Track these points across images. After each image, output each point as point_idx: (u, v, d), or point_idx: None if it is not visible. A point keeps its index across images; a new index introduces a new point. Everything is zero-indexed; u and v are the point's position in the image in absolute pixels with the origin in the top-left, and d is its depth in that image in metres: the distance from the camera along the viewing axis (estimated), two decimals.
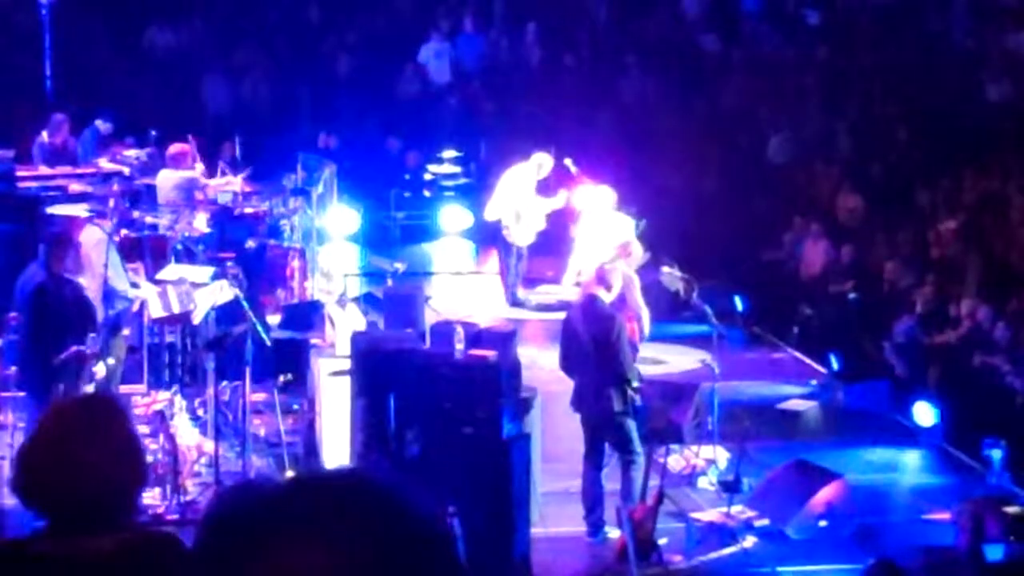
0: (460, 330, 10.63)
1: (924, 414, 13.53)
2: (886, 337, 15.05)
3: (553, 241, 17.47)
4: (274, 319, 14.51)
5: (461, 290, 18.07)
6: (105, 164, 17.41)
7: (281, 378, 12.81)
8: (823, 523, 11.17)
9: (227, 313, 12.41)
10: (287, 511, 2.03)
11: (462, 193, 21.09)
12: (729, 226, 18.38)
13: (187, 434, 11.32)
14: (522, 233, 17.09)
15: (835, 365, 15.11)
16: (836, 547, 10.93)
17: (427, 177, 21.47)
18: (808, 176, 19.45)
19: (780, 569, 10.71)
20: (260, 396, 12.44)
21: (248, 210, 16.08)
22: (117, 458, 3.48)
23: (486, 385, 10.12)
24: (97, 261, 12.07)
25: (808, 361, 15.83)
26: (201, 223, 15.23)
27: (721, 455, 12.33)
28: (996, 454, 12.47)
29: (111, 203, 13.91)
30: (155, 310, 12.52)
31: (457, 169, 21.55)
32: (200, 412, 12.09)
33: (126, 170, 17.11)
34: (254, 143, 18.46)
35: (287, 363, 12.97)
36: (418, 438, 10.16)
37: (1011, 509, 10.60)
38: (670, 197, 19.14)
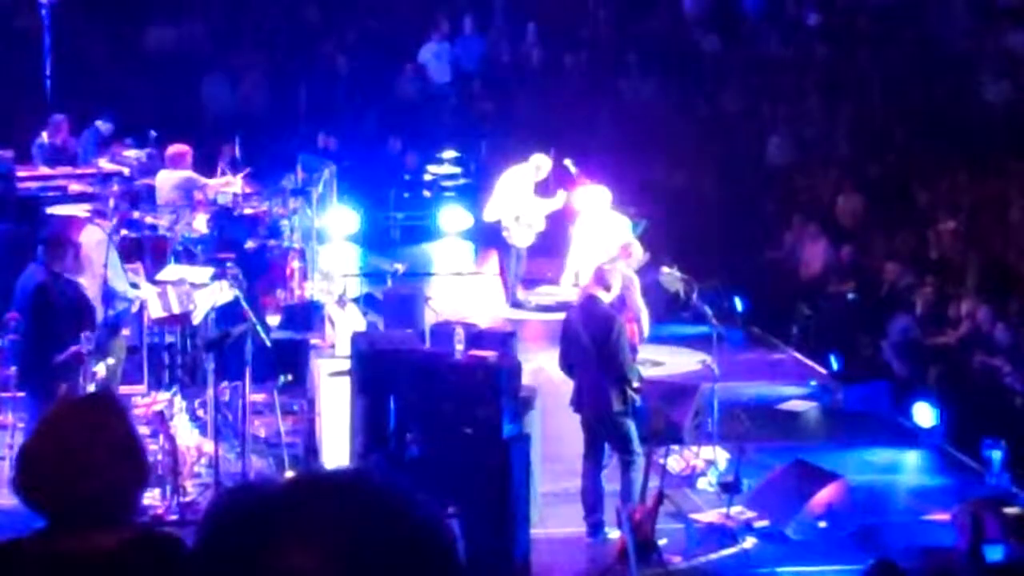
0: (460, 331, 10.63)
1: (924, 415, 13.53)
2: (884, 337, 15.05)
3: (553, 242, 17.47)
4: (274, 319, 14.52)
5: (461, 291, 18.07)
6: (105, 164, 17.43)
7: (281, 379, 12.80)
8: (823, 524, 11.16)
9: (227, 314, 12.41)
10: (287, 512, 2.03)
11: (462, 194, 21.10)
12: (729, 226, 18.39)
13: (187, 435, 11.31)
14: (521, 234, 17.09)
15: (835, 366, 15.12)
16: (836, 548, 10.93)
17: (427, 178, 21.47)
18: (807, 176, 19.46)
19: (780, 570, 10.70)
20: (260, 397, 12.43)
21: (248, 211, 16.09)
22: (118, 457, 3.48)
23: (486, 386, 10.12)
24: (97, 261, 12.08)
25: (808, 362, 15.83)
26: (201, 224, 15.24)
27: (721, 456, 12.33)
28: (996, 455, 12.47)
29: (111, 203, 13.91)
30: (155, 311, 12.52)
31: (457, 170, 21.55)
32: (200, 413, 12.09)
33: (126, 170, 17.13)
34: (254, 144, 18.47)
35: (287, 364, 12.97)
36: (418, 439, 10.16)
37: (1011, 510, 10.58)
38: (670, 197, 19.14)
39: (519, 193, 17.07)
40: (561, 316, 12.24)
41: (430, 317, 12.83)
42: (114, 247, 12.49)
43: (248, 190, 16.47)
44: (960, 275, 15.71)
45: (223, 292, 12.36)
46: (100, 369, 11.16)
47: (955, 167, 17.78)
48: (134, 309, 12.72)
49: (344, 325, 12.73)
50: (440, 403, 10.13)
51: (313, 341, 13.62)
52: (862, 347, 15.32)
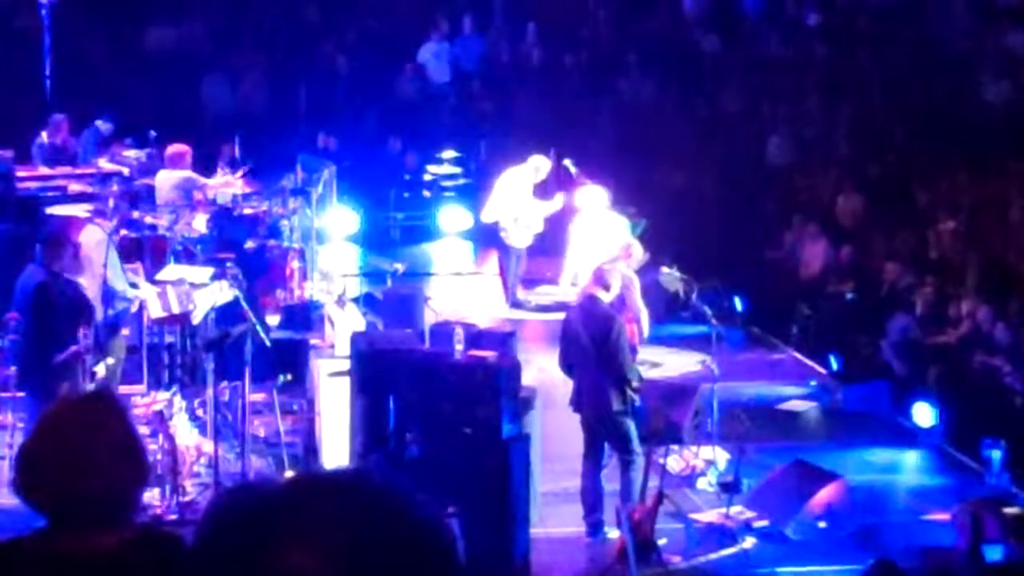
0: (460, 331, 10.63)
1: (923, 415, 13.53)
2: (884, 337, 15.06)
3: (552, 242, 17.47)
4: (274, 319, 14.52)
5: (461, 291, 18.07)
6: (104, 164, 17.42)
7: (280, 378, 12.80)
8: (822, 524, 11.16)
9: (226, 313, 12.41)
10: (286, 512, 2.03)
11: (461, 193, 21.09)
12: (728, 226, 18.39)
13: (186, 434, 11.31)
14: (519, 235, 17.07)
15: (834, 366, 15.12)
16: (835, 548, 10.93)
17: (426, 177, 21.46)
18: (807, 176, 19.46)
19: (779, 570, 10.70)
20: (259, 396, 12.43)
21: (247, 211, 16.08)
22: (118, 457, 3.48)
23: (485, 386, 10.12)
24: (97, 261, 12.08)
25: (807, 362, 15.83)
26: (200, 224, 15.23)
27: (720, 456, 12.33)
28: (995, 454, 12.47)
29: (111, 203, 13.92)
30: (154, 310, 12.52)
31: (457, 169, 21.55)
32: (199, 412, 12.09)
33: (125, 170, 17.12)
34: (254, 144, 18.47)
35: (287, 363, 12.97)
36: (417, 439, 10.16)
37: (1010, 510, 10.59)
38: (670, 197, 19.14)
39: (517, 194, 17.06)
40: (560, 316, 12.24)
41: (430, 317, 12.83)
42: (114, 247, 12.49)
43: (248, 190, 16.47)
44: (960, 275, 15.72)
45: (223, 292, 12.36)
46: (100, 369, 11.16)
47: (955, 167, 17.78)
48: (133, 309, 12.72)
49: (344, 325, 12.73)
50: (440, 403, 10.13)
51: (313, 341, 13.62)
52: (861, 347, 15.33)
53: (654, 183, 19.38)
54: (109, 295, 12.11)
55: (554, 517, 11.23)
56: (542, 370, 12.93)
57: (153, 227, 14.98)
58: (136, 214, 15.05)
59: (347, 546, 1.99)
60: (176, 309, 12.45)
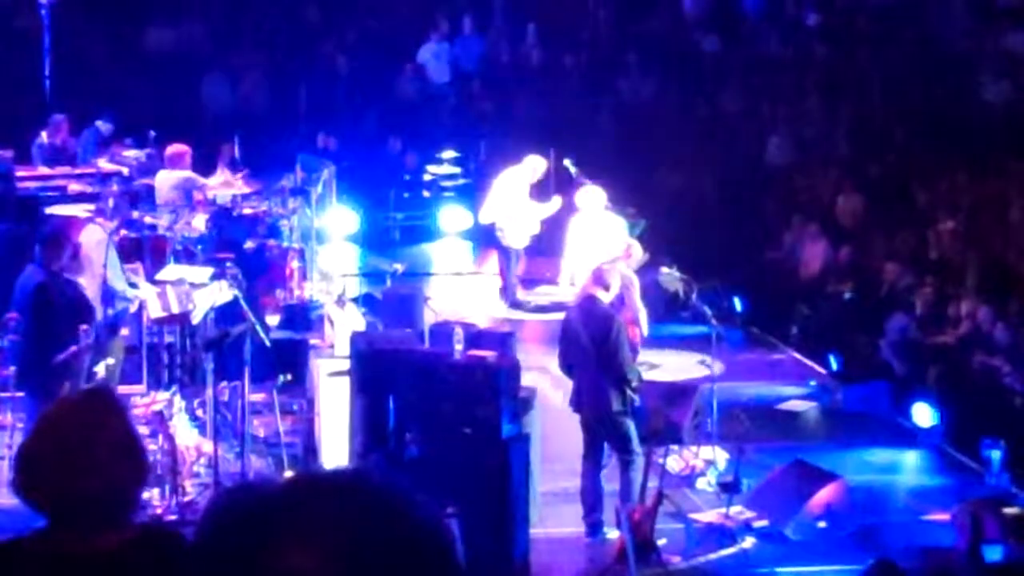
0: (459, 331, 10.64)
1: (923, 415, 13.53)
2: (883, 337, 15.06)
3: (552, 242, 17.47)
4: (273, 319, 14.52)
5: (460, 291, 18.07)
6: (104, 164, 17.42)
7: (280, 378, 12.80)
8: (822, 524, 11.16)
9: (226, 313, 12.41)
10: (286, 512, 2.03)
11: (461, 194, 21.09)
12: (728, 227, 18.39)
13: (186, 434, 11.31)
14: (515, 235, 17.06)
15: (834, 366, 15.12)
16: (835, 548, 10.93)
17: (426, 178, 21.46)
18: (807, 177, 19.46)
19: (779, 570, 10.70)
20: (259, 396, 12.43)
21: (247, 211, 16.09)
22: (117, 456, 3.47)
23: (485, 386, 10.12)
24: (97, 261, 12.08)
25: (807, 362, 15.83)
26: (200, 223, 15.23)
27: (720, 456, 12.33)
28: (995, 455, 12.47)
29: (110, 203, 13.92)
30: (154, 310, 12.52)
31: (456, 170, 21.55)
32: (199, 412, 12.09)
33: (125, 170, 17.12)
34: (253, 144, 18.47)
35: (286, 363, 12.97)
36: (417, 439, 10.16)
37: (1010, 510, 10.59)
38: (670, 197, 19.14)
39: (514, 195, 17.05)
40: (560, 316, 12.24)
41: (429, 317, 12.83)
42: (114, 247, 12.49)
43: (247, 190, 16.47)
44: (960, 275, 15.72)
45: (222, 292, 12.36)
46: (100, 370, 11.16)
47: (955, 167, 17.78)
48: (133, 309, 12.72)
49: (343, 325, 12.73)
50: (439, 403, 10.14)
51: (312, 341, 13.62)
52: (861, 347, 15.33)
53: (654, 183, 19.38)
54: (109, 295, 12.11)
55: (554, 517, 11.23)
56: (542, 370, 12.93)
57: (153, 227, 14.98)
58: (136, 214, 15.05)
59: (346, 546, 2.00)
60: (176, 309, 12.45)
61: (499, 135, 21.21)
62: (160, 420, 10.98)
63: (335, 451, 11.31)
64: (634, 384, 11.04)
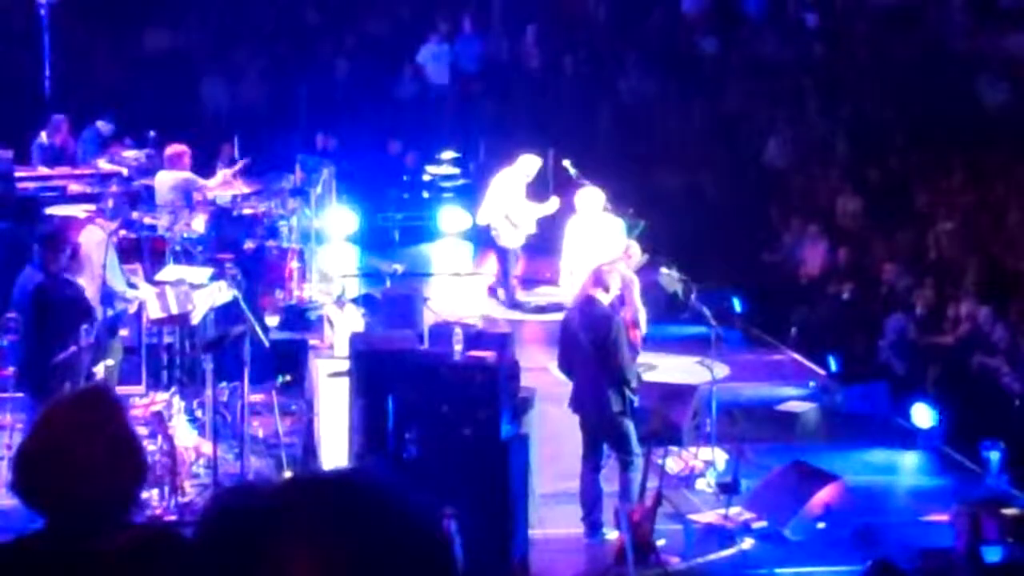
0: (459, 331, 10.64)
1: (922, 416, 13.53)
2: (882, 337, 15.06)
3: (553, 243, 17.46)
4: (273, 320, 14.52)
5: (460, 291, 18.06)
6: (104, 165, 17.42)
7: (279, 379, 12.80)
8: (821, 525, 11.17)
9: (225, 314, 12.41)
10: (285, 512, 2.03)
11: (461, 194, 21.08)
12: (728, 228, 18.39)
13: (185, 435, 11.31)
14: (510, 236, 17.04)
15: (834, 366, 15.11)
16: (834, 549, 10.93)
17: (426, 178, 21.46)
18: (807, 178, 19.46)
19: (778, 571, 10.71)
20: (259, 397, 12.44)
21: (247, 211, 16.09)
22: (115, 455, 3.47)
23: (485, 386, 10.12)
24: (97, 262, 12.08)
25: (806, 363, 15.82)
26: (199, 224, 15.23)
27: (719, 456, 12.33)
28: (994, 456, 12.48)
29: (110, 204, 13.92)
30: (153, 311, 12.52)
31: (456, 170, 21.54)
32: (198, 413, 12.09)
33: (125, 171, 17.12)
34: (252, 144, 18.47)
35: (286, 364, 12.97)
36: (416, 439, 10.16)
37: (1009, 511, 10.61)
38: (669, 198, 19.14)
39: (510, 195, 17.05)
40: (559, 317, 12.24)
41: (429, 318, 12.83)
42: (113, 247, 12.49)
43: (247, 190, 16.47)
44: (959, 276, 15.72)
45: (222, 292, 12.36)
46: (99, 370, 11.16)
47: (954, 168, 17.79)
48: (132, 310, 12.72)
49: (343, 326, 12.73)
50: (439, 404, 10.13)
51: (312, 342, 13.62)
52: (860, 348, 15.33)
53: (654, 184, 19.38)
54: (109, 296, 12.11)
55: (553, 518, 11.23)
56: (542, 370, 12.92)
57: (152, 228, 14.98)
58: (135, 215, 15.05)
59: (345, 546, 2.00)
60: (175, 310, 12.45)
61: (499, 135, 21.20)
62: (159, 421, 10.98)
63: (334, 452, 11.31)
64: (633, 385, 11.04)
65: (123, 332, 12.69)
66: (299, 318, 14.87)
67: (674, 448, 12.09)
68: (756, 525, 11.25)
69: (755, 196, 19.23)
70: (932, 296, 15.31)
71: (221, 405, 11.98)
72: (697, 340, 14.38)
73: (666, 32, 22.87)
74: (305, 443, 12.34)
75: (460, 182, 21.37)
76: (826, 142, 19.99)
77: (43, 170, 17.45)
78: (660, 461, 11.12)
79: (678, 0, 22.96)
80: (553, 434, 11.77)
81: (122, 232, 14.03)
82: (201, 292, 12.57)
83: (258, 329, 11.78)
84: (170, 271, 13.71)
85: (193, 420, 11.90)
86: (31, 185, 17.00)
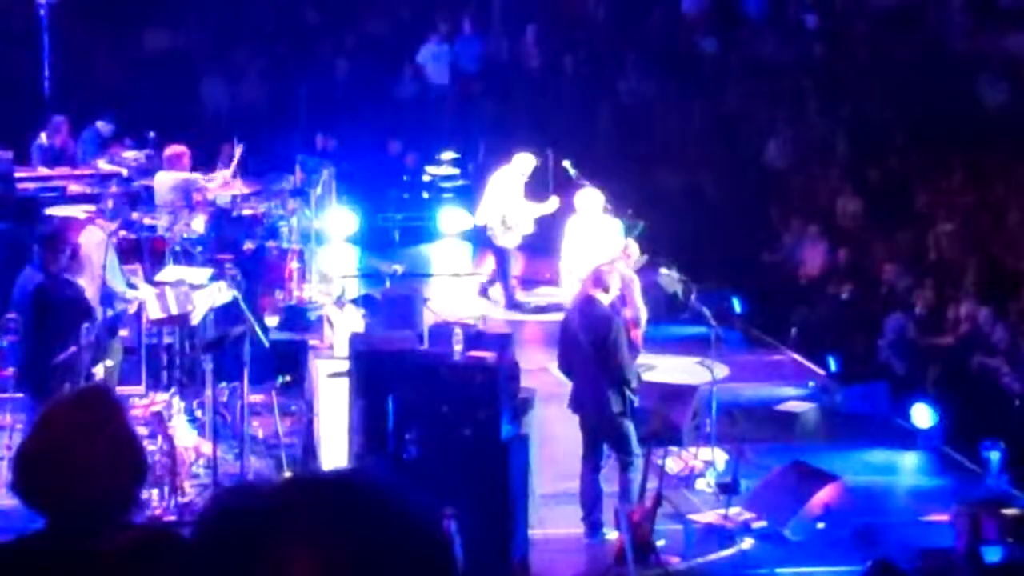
0: (459, 331, 10.64)
1: (922, 416, 13.53)
2: (881, 337, 15.07)
3: (553, 243, 17.46)
4: (272, 320, 14.52)
5: (460, 292, 18.06)
6: (103, 165, 17.42)
7: (279, 379, 12.81)
8: (821, 525, 11.17)
9: (225, 314, 12.41)
10: (284, 512, 2.03)
11: (460, 195, 21.08)
12: (727, 228, 18.39)
13: (185, 435, 11.31)
14: (506, 236, 17.03)
15: (833, 367, 15.12)
16: (834, 549, 10.93)
17: (425, 179, 21.46)
18: (807, 178, 19.46)
19: (778, 571, 10.71)
20: (258, 397, 12.44)
21: (246, 211, 16.08)
22: (115, 455, 3.47)
23: (485, 387, 10.12)
24: (97, 262, 12.08)
25: (806, 363, 15.82)
26: (199, 224, 15.23)
27: (719, 457, 12.33)
28: (994, 456, 12.48)
29: (110, 204, 13.92)
30: (153, 311, 12.52)
31: (455, 171, 21.54)
32: (198, 413, 12.09)
33: (124, 171, 17.12)
34: (252, 145, 18.45)
35: (285, 364, 12.97)
36: (416, 440, 10.16)
37: (1009, 511, 10.61)
38: (669, 198, 19.14)
39: (507, 195, 17.04)
40: (559, 317, 12.24)
41: (429, 318, 12.83)
42: (113, 248, 12.49)
43: (247, 191, 16.46)
44: (959, 277, 15.72)
45: (221, 293, 12.36)
46: (99, 371, 11.16)
47: (954, 169, 17.79)
48: (132, 310, 12.72)
49: (343, 326, 12.73)
50: (439, 404, 10.13)
51: (312, 342, 13.62)
52: (860, 348, 15.33)
53: (654, 184, 19.38)
54: (108, 296, 12.11)
55: (553, 518, 11.23)
56: (542, 371, 12.93)
57: (152, 228, 14.98)
58: (135, 215, 15.05)
59: (344, 547, 2.00)
60: (175, 310, 12.45)
61: (499, 135, 21.20)
62: (159, 421, 10.98)
63: (334, 452, 11.31)
64: (633, 385, 11.05)
65: (123, 332, 12.68)
66: (299, 318, 14.87)
67: (674, 448, 12.09)
68: (756, 525, 11.26)
69: (755, 196, 19.23)
70: (932, 296, 15.31)
71: (221, 405, 11.98)
72: (697, 340, 14.38)
73: (666, 32, 22.87)
74: (305, 443, 12.34)
75: (460, 182, 21.36)
76: (826, 142, 19.99)
77: (43, 171, 17.44)
78: (660, 461, 11.12)
79: (678, 0, 22.95)
80: (553, 434, 11.78)
81: (122, 233, 14.04)
82: (201, 292, 12.57)
83: (258, 329, 11.78)
84: (170, 272, 13.71)
85: (193, 420, 11.90)
86: (31, 186, 17.00)
